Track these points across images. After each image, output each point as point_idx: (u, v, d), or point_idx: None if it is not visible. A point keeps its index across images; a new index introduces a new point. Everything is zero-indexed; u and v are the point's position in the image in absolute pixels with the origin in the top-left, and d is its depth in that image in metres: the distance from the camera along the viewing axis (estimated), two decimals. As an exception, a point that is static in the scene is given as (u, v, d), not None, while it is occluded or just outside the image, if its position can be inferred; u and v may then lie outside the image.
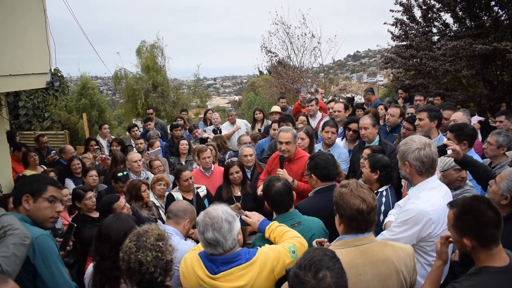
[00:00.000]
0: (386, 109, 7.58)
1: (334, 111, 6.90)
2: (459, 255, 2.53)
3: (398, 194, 4.11)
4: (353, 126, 5.70)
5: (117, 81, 18.99)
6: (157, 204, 5.21)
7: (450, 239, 2.31)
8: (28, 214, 2.68)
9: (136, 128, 9.05)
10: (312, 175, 3.76)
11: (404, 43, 12.30)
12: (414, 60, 11.54)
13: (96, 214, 4.65)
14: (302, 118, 7.24)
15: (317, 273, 1.72)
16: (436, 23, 11.99)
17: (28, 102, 14.62)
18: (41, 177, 2.86)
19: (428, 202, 2.71)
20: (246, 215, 2.99)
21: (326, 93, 15.80)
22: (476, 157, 4.18)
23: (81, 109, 16.42)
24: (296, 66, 16.79)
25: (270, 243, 2.78)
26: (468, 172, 3.69)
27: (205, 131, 9.14)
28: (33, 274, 2.52)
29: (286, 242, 2.65)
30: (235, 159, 5.54)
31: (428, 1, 11.51)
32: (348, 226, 2.35)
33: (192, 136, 8.84)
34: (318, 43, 16.11)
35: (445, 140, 3.93)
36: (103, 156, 7.30)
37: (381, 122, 7.03)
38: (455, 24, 11.51)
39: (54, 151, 7.97)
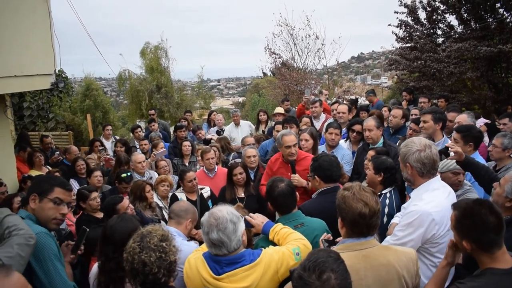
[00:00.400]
0: (390, 110, 7.56)
1: (338, 113, 6.89)
2: (463, 257, 2.52)
3: (402, 196, 4.10)
4: (357, 127, 5.69)
5: (121, 82, 19.02)
6: (161, 205, 5.22)
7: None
8: (33, 213, 2.71)
9: (139, 129, 9.10)
10: (315, 176, 3.75)
11: (408, 45, 12.28)
12: (419, 62, 11.52)
13: (100, 215, 4.67)
14: (305, 119, 7.24)
15: (321, 274, 1.72)
16: (440, 25, 11.97)
17: (33, 103, 14.71)
18: (51, 178, 2.87)
19: (431, 203, 2.71)
20: (250, 217, 2.99)
21: (330, 95, 15.80)
22: (480, 159, 4.16)
23: (85, 110, 16.48)
24: (300, 67, 16.78)
25: (274, 244, 2.78)
26: (470, 174, 3.69)
27: (208, 133, 9.16)
28: (29, 272, 2.52)
29: (290, 244, 2.64)
30: (238, 160, 5.54)
31: (433, 3, 11.49)
32: (350, 229, 2.34)
33: (195, 137, 8.86)
34: (322, 44, 16.14)
35: (448, 142, 3.93)
36: (107, 156, 7.32)
37: (385, 124, 7.02)
38: (460, 26, 11.48)
39: (58, 152, 8.00)
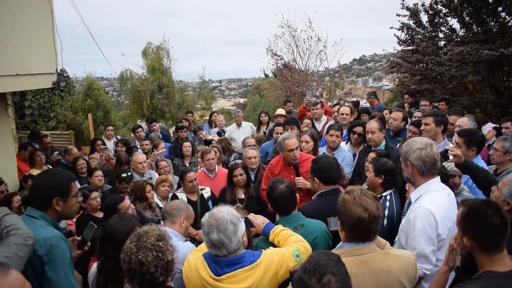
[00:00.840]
0: (391, 113, 7.56)
1: (341, 114, 6.89)
2: (461, 260, 2.51)
3: (402, 199, 4.09)
4: (358, 129, 5.69)
5: (122, 82, 19.05)
6: (161, 205, 5.21)
7: (456, 245, 2.30)
8: (57, 214, 2.73)
9: (140, 129, 9.09)
10: (315, 178, 3.75)
11: (410, 47, 12.27)
12: (420, 65, 11.50)
13: (100, 214, 4.67)
14: (307, 121, 7.24)
15: (321, 277, 1.71)
16: (442, 28, 11.95)
17: (34, 102, 14.74)
18: (62, 176, 2.83)
19: (433, 204, 2.71)
20: (251, 217, 2.99)
21: (332, 97, 15.80)
22: (482, 163, 4.16)
23: (87, 109, 16.50)
24: (301, 69, 16.80)
25: (274, 245, 2.77)
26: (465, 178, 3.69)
27: (209, 134, 9.16)
28: (40, 273, 2.51)
29: (290, 246, 2.64)
30: (239, 161, 5.54)
31: (435, 6, 11.48)
32: (349, 234, 2.33)
33: (196, 137, 8.86)
34: (324, 46, 16.16)
35: (449, 145, 3.93)
36: (108, 156, 7.32)
37: (386, 126, 7.02)
38: (462, 30, 11.46)
39: (57, 152, 8.00)
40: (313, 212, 3.37)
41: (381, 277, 2.25)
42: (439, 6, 11.44)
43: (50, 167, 7.10)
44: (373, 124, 5.24)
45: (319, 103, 7.79)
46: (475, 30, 10.92)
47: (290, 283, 1.94)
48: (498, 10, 10.50)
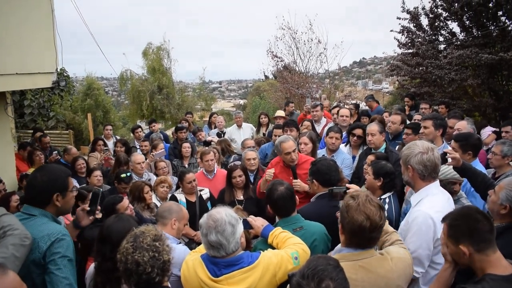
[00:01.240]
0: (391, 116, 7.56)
1: (341, 116, 6.89)
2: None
3: (401, 202, 4.09)
4: (357, 132, 5.69)
5: (122, 82, 19.06)
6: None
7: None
8: (57, 209, 2.74)
9: (140, 130, 9.08)
10: (314, 180, 3.74)
11: (410, 51, 12.32)
12: (420, 68, 11.54)
13: (98, 215, 4.64)
14: (306, 123, 7.26)
15: (320, 283, 1.69)
16: (442, 32, 12.01)
17: (34, 101, 14.72)
18: (59, 171, 2.84)
19: (433, 208, 2.71)
20: (251, 219, 2.98)
21: (331, 99, 15.81)
22: (480, 167, 4.16)
23: (86, 109, 16.50)
24: (301, 71, 16.82)
25: (272, 247, 2.77)
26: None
27: (209, 135, 9.15)
28: (43, 270, 2.50)
29: (289, 248, 2.64)
30: (238, 162, 5.54)
31: (435, 10, 11.53)
32: (349, 239, 2.32)
33: (196, 138, 8.85)
34: (324, 49, 16.20)
35: (447, 148, 3.92)
36: (107, 156, 7.30)
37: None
38: (462, 33, 11.51)
39: (56, 151, 7.98)
40: (311, 214, 3.36)
41: (380, 283, 2.24)
42: (439, 10, 11.49)
43: (49, 166, 7.07)
44: (373, 127, 5.24)
45: (319, 105, 7.81)
46: (475, 34, 10.97)
47: (288, 286, 1.93)
48: (498, 15, 10.55)
